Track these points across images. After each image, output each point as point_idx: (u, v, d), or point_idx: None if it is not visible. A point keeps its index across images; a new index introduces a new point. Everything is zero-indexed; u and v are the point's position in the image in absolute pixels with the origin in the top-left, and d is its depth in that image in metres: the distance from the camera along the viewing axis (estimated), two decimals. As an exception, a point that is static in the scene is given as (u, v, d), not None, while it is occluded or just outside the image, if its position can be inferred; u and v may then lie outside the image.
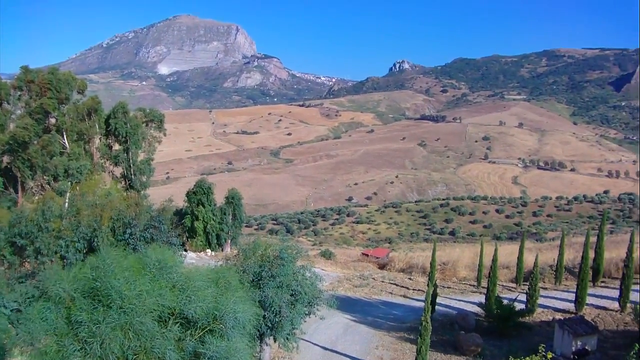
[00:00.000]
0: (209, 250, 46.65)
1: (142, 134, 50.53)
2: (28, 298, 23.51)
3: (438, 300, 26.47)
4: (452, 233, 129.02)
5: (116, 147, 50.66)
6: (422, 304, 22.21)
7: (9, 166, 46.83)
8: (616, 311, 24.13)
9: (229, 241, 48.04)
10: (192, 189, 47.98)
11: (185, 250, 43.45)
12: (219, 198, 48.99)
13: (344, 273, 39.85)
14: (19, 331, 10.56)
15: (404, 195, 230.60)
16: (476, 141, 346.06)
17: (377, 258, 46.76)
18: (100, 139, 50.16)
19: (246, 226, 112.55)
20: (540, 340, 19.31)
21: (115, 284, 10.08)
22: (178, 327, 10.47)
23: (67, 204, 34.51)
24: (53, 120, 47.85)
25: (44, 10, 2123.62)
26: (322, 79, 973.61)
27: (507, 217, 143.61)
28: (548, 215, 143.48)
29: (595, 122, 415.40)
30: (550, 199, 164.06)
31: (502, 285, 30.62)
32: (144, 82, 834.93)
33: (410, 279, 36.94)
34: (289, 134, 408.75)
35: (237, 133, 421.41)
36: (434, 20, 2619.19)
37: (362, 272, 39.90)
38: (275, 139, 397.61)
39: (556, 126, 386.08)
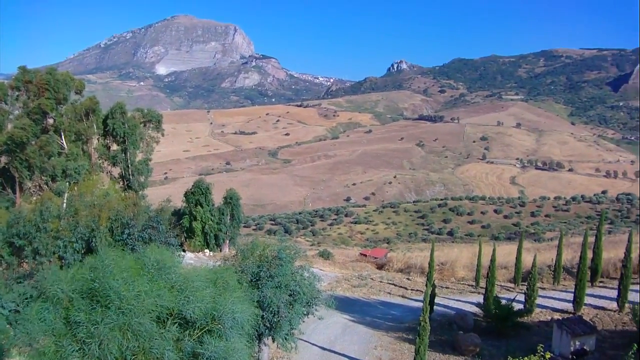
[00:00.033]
0: (207, 251, 46.59)
1: (140, 135, 50.48)
2: (26, 298, 23.47)
3: (436, 300, 26.46)
4: (450, 233, 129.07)
5: (114, 147, 50.57)
6: (420, 304, 22.23)
7: (6, 166, 46.77)
8: (614, 311, 24.16)
9: (227, 241, 47.99)
10: (190, 189, 47.92)
11: (184, 251, 43.37)
12: (217, 198, 48.97)
13: (342, 273, 39.84)
14: (17, 331, 10.54)
15: (402, 195, 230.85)
16: (474, 141, 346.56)
17: (376, 258, 46.79)
18: (98, 139, 50.11)
19: (244, 226, 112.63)
20: (539, 340, 19.32)
21: (113, 285, 10.06)
22: (176, 327, 10.45)
23: (65, 204, 34.47)
24: (51, 121, 47.78)
25: (41, 11, 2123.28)
26: (320, 79, 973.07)
27: (505, 217, 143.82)
28: (546, 216, 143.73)
29: (593, 122, 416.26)
30: (549, 199, 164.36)
31: (501, 286, 30.65)
32: (141, 83, 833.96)
33: (408, 279, 36.94)
34: (287, 134, 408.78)
35: (235, 133, 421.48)
36: (432, 21, 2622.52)
37: (360, 273, 39.89)
38: (273, 139, 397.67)
39: (554, 126, 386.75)
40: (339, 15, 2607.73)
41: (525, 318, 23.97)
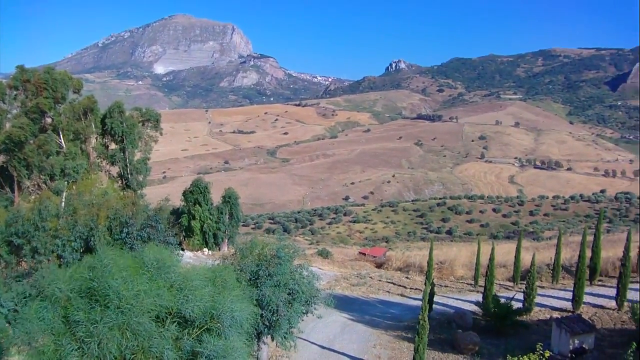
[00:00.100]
0: (206, 250, 46.55)
1: (139, 134, 50.39)
2: (25, 297, 23.40)
3: (435, 299, 26.48)
4: (449, 232, 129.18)
5: (112, 146, 50.47)
6: (419, 303, 22.24)
7: (5, 165, 46.66)
8: (613, 310, 24.20)
9: (226, 240, 47.94)
10: (189, 188, 47.83)
11: (182, 250, 43.31)
12: (216, 197, 48.91)
13: (341, 272, 39.84)
14: (16, 330, 10.49)
15: (401, 194, 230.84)
16: (472, 140, 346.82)
17: (374, 257, 46.81)
18: (96, 138, 50.02)
19: (243, 225, 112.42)
20: (538, 339, 19.31)
21: (112, 284, 10.03)
22: (175, 326, 10.43)
23: (63, 203, 34.42)
24: (49, 120, 47.69)
25: (40, 10, 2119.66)
26: (319, 78, 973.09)
27: (504, 216, 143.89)
28: (545, 215, 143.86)
29: (592, 121, 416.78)
30: (547, 198, 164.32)
31: (500, 284, 30.68)
32: (140, 82, 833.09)
33: (407, 277, 36.97)
34: (286, 134, 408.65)
35: (234, 132, 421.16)
36: (430, 20, 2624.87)
37: (359, 271, 39.91)
38: (271, 138, 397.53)
39: (552, 126, 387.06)
40: (338, 15, 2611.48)
41: (524, 317, 24.00)
